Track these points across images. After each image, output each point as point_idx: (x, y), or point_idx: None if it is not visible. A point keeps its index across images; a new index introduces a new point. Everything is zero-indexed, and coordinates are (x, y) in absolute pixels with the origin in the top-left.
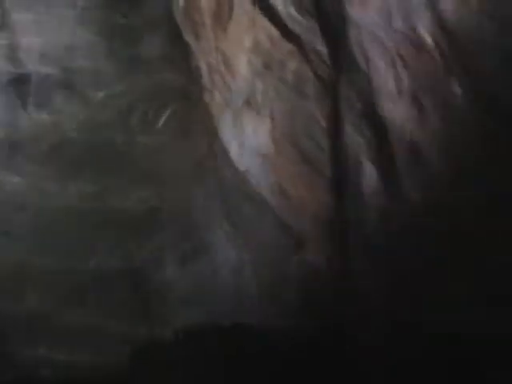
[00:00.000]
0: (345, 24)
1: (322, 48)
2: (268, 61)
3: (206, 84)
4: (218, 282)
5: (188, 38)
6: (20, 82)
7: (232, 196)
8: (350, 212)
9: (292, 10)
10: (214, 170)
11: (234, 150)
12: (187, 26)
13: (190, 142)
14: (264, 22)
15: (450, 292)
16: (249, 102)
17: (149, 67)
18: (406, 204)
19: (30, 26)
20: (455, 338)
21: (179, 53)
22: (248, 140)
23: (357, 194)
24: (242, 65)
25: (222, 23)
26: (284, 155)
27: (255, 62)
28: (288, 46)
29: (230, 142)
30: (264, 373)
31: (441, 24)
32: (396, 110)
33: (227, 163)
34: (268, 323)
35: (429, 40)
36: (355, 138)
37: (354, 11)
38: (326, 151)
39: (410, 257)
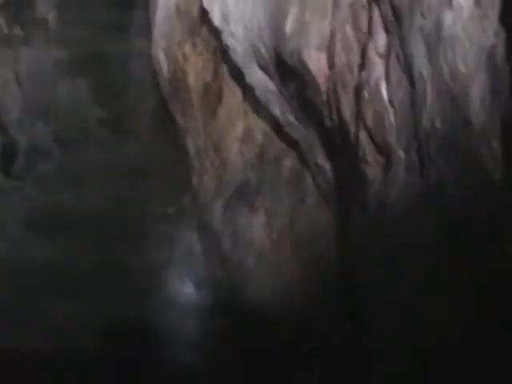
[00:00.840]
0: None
1: (325, 163)
2: (261, 153)
3: (194, 166)
4: None
5: (174, 112)
6: None
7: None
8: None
9: (292, 119)
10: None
11: (225, 242)
12: (173, 100)
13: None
14: (257, 115)
15: None
16: (241, 193)
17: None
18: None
19: None
20: None
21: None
22: (241, 233)
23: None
24: (234, 153)
25: (210, 106)
26: (282, 255)
27: (247, 152)
28: (283, 145)
29: (221, 233)
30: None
31: None
32: None
33: (217, 255)
34: None
35: None
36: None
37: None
38: (330, 260)
39: None
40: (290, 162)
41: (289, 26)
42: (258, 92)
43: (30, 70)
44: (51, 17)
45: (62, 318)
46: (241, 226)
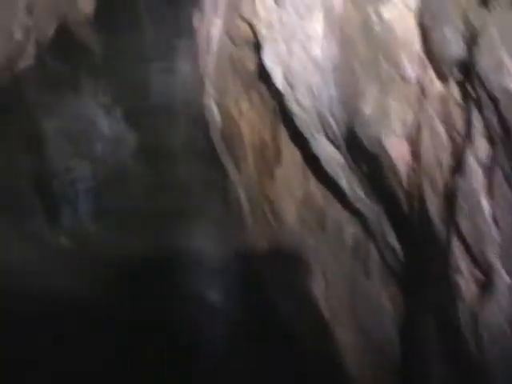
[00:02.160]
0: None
1: (394, 242)
2: (322, 219)
3: (247, 221)
4: None
5: (226, 164)
6: None
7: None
8: None
9: (360, 193)
10: None
11: (281, 305)
12: (226, 152)
13: None
14: (318, 180)
15: None
16: (298, 256)
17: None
18: None
19: None
20: None
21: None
22: (297, 295)
23: None
24: (291, 216)
25: (268, 165)
26: (341, 324)
27: (306, 216)
28: (347, 213)
29: (276, 294)
30: None
31: None
32: None
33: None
34: None
35: None
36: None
37: None
38: (392, 338)
39: None
40: (352, 230)
41: (367, 108)
42: (323, 162)
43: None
44: (100, 64)
45: None
46: (297, 289)
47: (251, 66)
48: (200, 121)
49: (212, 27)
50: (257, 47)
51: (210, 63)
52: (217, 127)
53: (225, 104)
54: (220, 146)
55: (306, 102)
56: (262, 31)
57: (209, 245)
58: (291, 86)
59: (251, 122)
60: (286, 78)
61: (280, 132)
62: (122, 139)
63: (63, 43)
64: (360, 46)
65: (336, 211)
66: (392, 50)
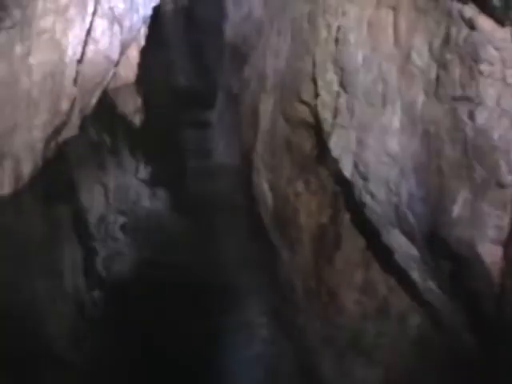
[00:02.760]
0: None
1: (469, 338)
2: (383, 307)
3: (300, 305)
4: None
5: (279, 247)
6: None
7: None
8: None
9: (434, 287)
10: None
11: None
12: (278, 233)
13: None
14: (381, 267)
15: None
16: (356, 343)
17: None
18: None
19: None
20: None
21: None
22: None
23: None
24: (350, 302)
25: (326, 250)
26: None
27: (367, 303)
28: (411, 302)
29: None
30: None
31: None
32: None
33: None
34: None
35: None
36: None
37: None
38: None
39: None
40: (417, 320)
41: (456, 210)
42: (394, 252)
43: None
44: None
45: None
46: (355, 377)
47: (308, 147)
48: (247, 197)
49: (260, 102)
50: (316, 130)
51: (260, 140)
52: (268, 206)
53: (278, 184)
54: (271, 226)
55: (381, 194)
56: (326, 116)
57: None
58: (363, 177)
59: (308, 204)
60: (356, 168)
61: (341, 217)
62: (163, 213)
63: (104, 112)
64: (448, 147)
65: (400, 300)
66: (488, 155)
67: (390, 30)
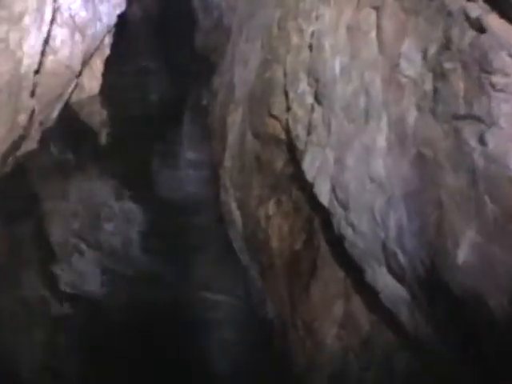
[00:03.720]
0: None
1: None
2: (367, 342)
3: (276, 332)
4: None
5: (249, 268)
6: None
7: None
8: None
9: (426, 331)
10: None
11: None
12: (249, 257)
13: None
14: (362, 300)
15: None
16: (339, 378)
17: None
18: None
19: None
20: None
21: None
22: None
23: None
24: (329, 337)
25: (301, 278)
26: None
27: (348, 338)
28: (398, 339)
29: None
30: None
31: None
32: None
33: None
34: None
35: None
36: None
37: None
38: None
39: None
40: (404, 357)
41: (461, 253)
42: (381, 295)
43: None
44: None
45: None
46: None
47: (279, 165)
48: (213, 213)
49: (228, 114)
50: (288, 147)
51: (227, 155)
52: (237, 227)
53: (247, 204)
54: (241, 248)
55: (363, 226)
56: (299, 132)
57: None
58: (343, 205)
59: (280, 228)
60: (334, 194)
61: (316, 243)
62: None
63: (67, 125)
64: (450, 176)
65: (384, 335)
66: (502, 188)
67: (373, 34)
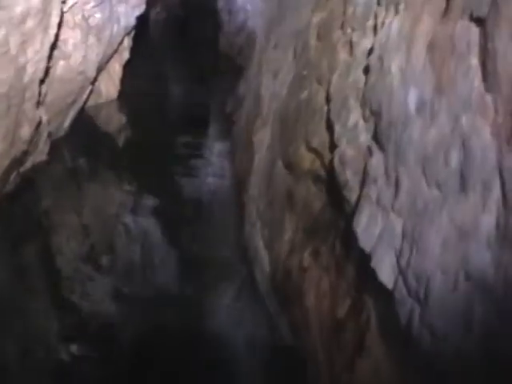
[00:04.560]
0: None
1: None
2: None
3: None
4: None
5: (276, 316)
6: None
7: None
8: None
9: None
10: None
11: None
12: (276, 303)
13: None
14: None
15: None
16: None
17: None
18: None
19: None
20: None
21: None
22: None
23: None
24: None
25: (343, 352)
26: None
27: None
28: None
29: None
30: None
31: None
32: None
33: None
34: None
35: None
36: None
37: None
38: None
39: None
40: None
41: None
42: None
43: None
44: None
45: None
46: None
47: (317, 206)
48: (235, 243)
49: (254, 128)
50: (329, 186)
51: (253, 180)
52: (264, 269)
53: (276, 247)
54: (267, 292)
55: (451, 335)
56: (348, 178)
57: None
58: (418, 297)
59: (317, 284)
60: (404, 279)
61: (366, 315)
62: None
63: (82, 132)
64: None
65: None
66: None
67: (475, 60)
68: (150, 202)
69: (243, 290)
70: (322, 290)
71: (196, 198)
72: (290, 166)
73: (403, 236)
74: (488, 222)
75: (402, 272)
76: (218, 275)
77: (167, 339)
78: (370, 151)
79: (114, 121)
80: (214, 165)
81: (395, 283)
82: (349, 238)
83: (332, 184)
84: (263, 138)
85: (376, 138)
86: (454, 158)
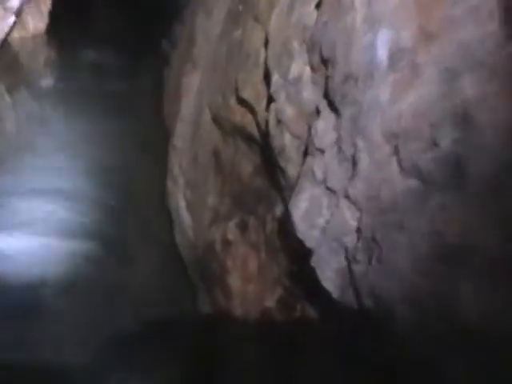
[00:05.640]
0: None
1: None
2: None
3: None
4: None
5: (197, 288)
6: None
7: None
8: None
9: None
10: None
11: None
12: (197, 276)
13: None
14: None
15: None
16: None
17: None
18: None
19: None
20: None
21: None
22: None
23: None
24: None
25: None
26: None
27: None
28: None
29: None
30: None
31: None
32: None
33: None
34: None
35: None
36: None
37: None
38: None
39: None
40: None
41: None
42: None
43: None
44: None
45: None
46: None
47: (247, 171)
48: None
49: (183, 74)
50: (262, 149)
51: (179, 131)
52: (185, 233)
53: (199, 213)
54: (189, 260)
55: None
56: (286, 144)
57: None
58: (363, 306)
59: (244, 262)
60: (352, 278)
61: (298, 313)
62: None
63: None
64: None
65: None
66: None
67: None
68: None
69: (165, 257)
70: (249, 271)
71: (119, 143)
72: (217, 119)
73: (359, 234)
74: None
75: (354, 283)
76: (136, 238)
77: None
78: (317, 111)
79: (42, 54)
80: (144, 108)
81: (342, 294)
82: (284, 217)
83: (266, 147)
84: (192, 82)
85: (327, 94)
86: (447, 136)
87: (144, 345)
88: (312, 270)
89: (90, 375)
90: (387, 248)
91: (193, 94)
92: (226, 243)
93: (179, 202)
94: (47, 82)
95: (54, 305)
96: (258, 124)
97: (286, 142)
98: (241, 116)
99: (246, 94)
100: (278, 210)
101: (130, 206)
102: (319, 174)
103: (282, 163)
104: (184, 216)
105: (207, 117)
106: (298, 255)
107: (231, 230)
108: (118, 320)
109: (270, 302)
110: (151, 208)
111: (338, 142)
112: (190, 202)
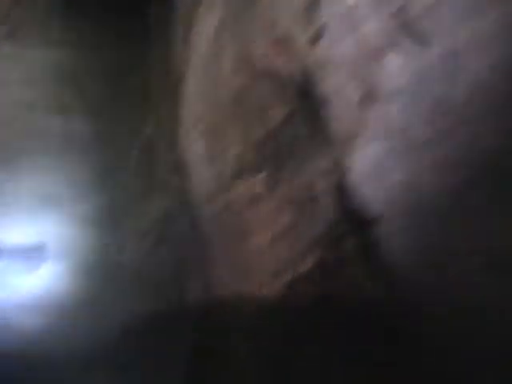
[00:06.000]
0: None
1: None
2: None
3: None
4: None
5: (213, 250)
6: None
7: None
8: None
9: None
10: None
11: None
12: (215, 238)
13: None
14: None
15: None
16: None
17: None
18: None
19: None
20: None
21: None
22: None
23: None
24: None
25: None
26: None
27: None
28: None
29: None
30: None
31: None
32: None
33: None
34: None
35: None
36: None
37: None
38: None
39: None
40: None
41: None
42: None
43: None
44: None
45: None
46: None
47: (278, 116)
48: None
49: (200, 4)
50: (299, 91)
51: (192, 71)
52: (202, 193)
53: (219, 163)
54: (206, 226)
55: None
56: (339, 101)
57: None
58: None
59: (274, 224)
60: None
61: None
62: None
63: None
64: None
65: None
66: None
67: None
68: None
69: (174, 208)
70: (279, 228)
71: None
72: (242, 67)
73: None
74: None
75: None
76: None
77: None
78: (385, 46)
79: None
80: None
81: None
82: (328, 172)
83: (305, 92)
84: (209, 22)
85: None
86: None
87: None
88: (375, 241)
89: None
90: None
91: (210, 34)
92: (254, 198)
93: (197, 150)
94: None
95: None
96: (295, 65)
97: (337, 86)
98: (275, 55)
99: (282, 30)
100: (318, 164)
101: None
102: (390, 125)
103: (329, 111)
104: (201, 168)
105: (231, 58)
106: (347, 218)
107: (260, 182)
108: None
109: (305, 265)
110: None
111: (420, 84)
112: (209, 150)
